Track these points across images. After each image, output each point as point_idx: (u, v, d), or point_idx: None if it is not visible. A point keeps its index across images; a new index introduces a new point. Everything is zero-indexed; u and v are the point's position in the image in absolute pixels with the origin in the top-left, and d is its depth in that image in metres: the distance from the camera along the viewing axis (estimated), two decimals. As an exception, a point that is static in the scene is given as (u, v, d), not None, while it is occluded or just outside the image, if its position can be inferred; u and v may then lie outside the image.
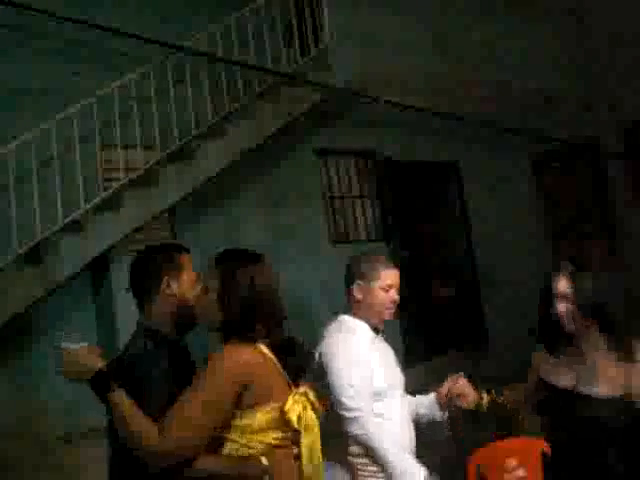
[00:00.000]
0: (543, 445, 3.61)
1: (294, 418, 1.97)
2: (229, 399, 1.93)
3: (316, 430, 2.05)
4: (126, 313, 5.10)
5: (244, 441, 1.95)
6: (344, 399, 2.58)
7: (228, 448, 1.95)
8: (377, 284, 2.82)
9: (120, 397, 1.97)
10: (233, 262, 2.15)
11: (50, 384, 4.86)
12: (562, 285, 2.59)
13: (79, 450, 4.69)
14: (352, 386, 2.59)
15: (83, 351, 2.05)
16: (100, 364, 2.02)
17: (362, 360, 2.69)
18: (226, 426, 1.96)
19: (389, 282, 2.83)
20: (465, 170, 7.76)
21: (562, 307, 2.56)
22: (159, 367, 2.11)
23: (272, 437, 1.97)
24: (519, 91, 7.80)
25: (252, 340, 2.02)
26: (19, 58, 5.15)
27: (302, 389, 2.07)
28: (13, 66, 5.10)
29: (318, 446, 2.06)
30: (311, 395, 2.08)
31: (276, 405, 1.97)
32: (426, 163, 7.46)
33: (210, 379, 1.93)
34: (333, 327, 2.82)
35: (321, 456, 2.08)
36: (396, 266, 2.91)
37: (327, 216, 6.82)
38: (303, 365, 2.16)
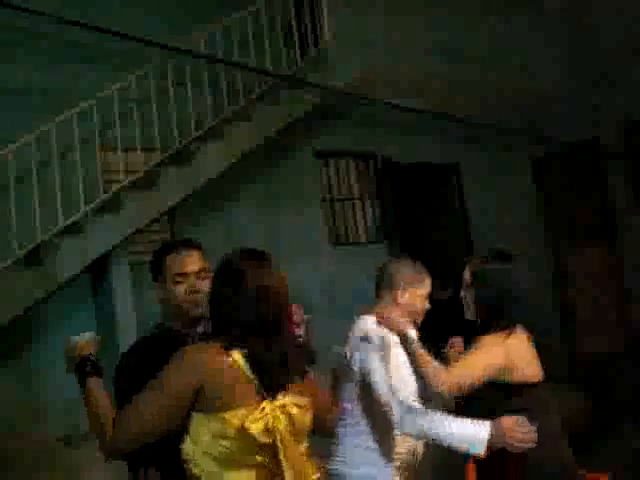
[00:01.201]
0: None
1: (256, 431, 1.85)
2: (180, 400, 1.87)
3: (292, 444, 1.92)
4: (126, 314, 5.13)
5: (202, 448, 1.88)
6: (395, 404, 2.52)
7: (193, 451, 1.90)
8: (421, 291, 2.81)
9: (91, 385, 1.99)
10: (225, 261, 2.06)
11: (50, 384, 4.87)
12: (466, 273, 2.76)
13: (79, 451, 4.70)
14: (400, 390, 2.58)
15: (81, 342, 2.08)
16: (84, 352, 2.04)
17: (403, 363, 2.70)
18: (187, 429, 1.90)
19: (429, 290, 2.84)
20: (465, 171, 7.76)
21: (462, 292, 2.76)
22: (126, 358, 2.24)
23: (229, 448, 1.86)
24: (519, 91, 7.81)
25: (223, 345, 1.92)
26: (19, 59, 5.15)
27: (279, 402, 1.92)
28: (13, 67, 5.11)
29: (298, 460, 1.94)
30: (293, 408, 1.94)
31: (236, 414, 1.86)
32: (426, 164, 7.45)
33: (165, 378, 1.89)
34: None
35: (307, 470, 1.97)
36: None
37: (327, 217, 6.83)
38: (289, 377, 1.98)
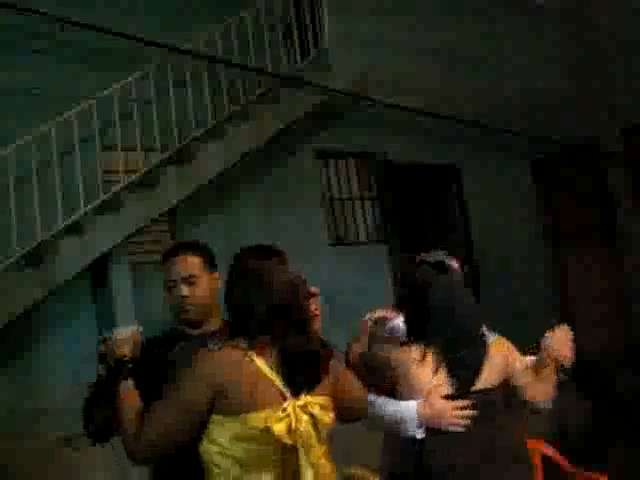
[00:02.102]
0: (543, 446, 3.63)
1: (278, 432, 1.81)
2: (197, 406, 1.84)
3: (315, 445, 1.88)
4: (126, 314, 5.13)
5: (222, 449, 1.84)
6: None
7: (213, 452, 1.87)
8: None
9: (123, 391, 1.99)
10: (242, 260, 2.06)
11: (50, 384, 4.87)
12: None
13: (79, 451, 4.70)
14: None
15: (120, 339, 2.08)
16: (122, 352, 2.04)
17: None
18: (205, 432, 1.87)
19: None
20: (465, 172, 7.76)
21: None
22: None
23: (249, 449, 1.83)
24: (519, 92, 7.81)
25: (241, 346, 1.88)
26: (19, 59, 5.15)
27: (301, 401, 1.87)
28: (13, 67, 5.11)
29: (321, 461, 1.89)
30: (315, 408, 1.89)
31: (258, 416, 1.82)
32: (426, 165, 7.45)
33: (182, 383, 1.86)
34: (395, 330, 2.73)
35: (330, 472, 1.94)
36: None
37: (327, 217, 6.82)
38: (313, 377, 1.92)
